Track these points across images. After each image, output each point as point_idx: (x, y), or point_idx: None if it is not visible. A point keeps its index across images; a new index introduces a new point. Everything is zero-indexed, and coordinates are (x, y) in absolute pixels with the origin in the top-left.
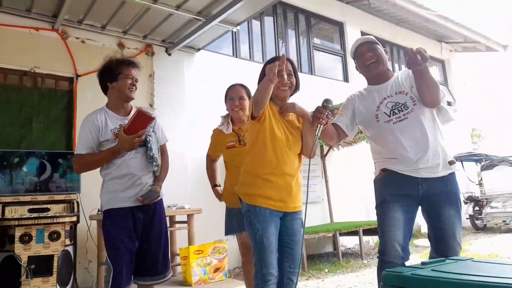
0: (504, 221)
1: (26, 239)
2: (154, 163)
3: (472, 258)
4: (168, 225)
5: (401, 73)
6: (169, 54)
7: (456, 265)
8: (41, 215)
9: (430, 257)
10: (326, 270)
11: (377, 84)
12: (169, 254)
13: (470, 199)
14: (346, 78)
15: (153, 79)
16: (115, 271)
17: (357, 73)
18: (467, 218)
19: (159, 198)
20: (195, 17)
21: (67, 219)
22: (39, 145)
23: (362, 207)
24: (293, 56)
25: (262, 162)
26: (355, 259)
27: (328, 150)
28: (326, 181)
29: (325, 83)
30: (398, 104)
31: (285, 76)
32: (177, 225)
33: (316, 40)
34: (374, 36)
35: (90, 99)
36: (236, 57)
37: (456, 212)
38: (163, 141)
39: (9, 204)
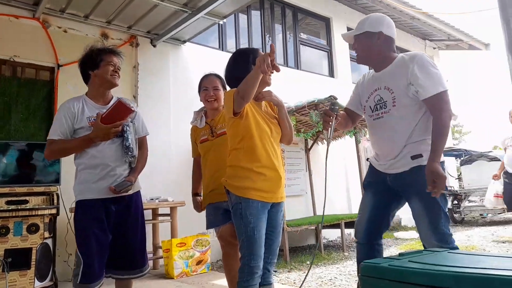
0: (481, 215)
1: (3, 231)
2: (130, 153)
3: (449, 250)
4: (151, 218)
5: (392, 66)
6: (154, 46)
7: (433, 256)
8: (19, 207)
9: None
10: (308, 262)
11: (376, 70)
12: (146, 248)
13: (449, 193)
14: (332, 73)
15: (137, 70)
16: (85, 263)
17: (342, 69)
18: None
19: (136, 190)
20: (181, 8)
21: (46, 212)
22: (18, 136)
23: (344, 200)
24: (279, 50)
25: (254, 156)
26: (336, 252)
27: (313, 144)
28: (310, 175)
29: (311, 78)
30: (381, 100)
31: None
32: (160, 218)
33: (303, 35)
34: None
35: (71, 89)
36: (223, 50)
37: (427, 201)
38: (143, 133)
39: None
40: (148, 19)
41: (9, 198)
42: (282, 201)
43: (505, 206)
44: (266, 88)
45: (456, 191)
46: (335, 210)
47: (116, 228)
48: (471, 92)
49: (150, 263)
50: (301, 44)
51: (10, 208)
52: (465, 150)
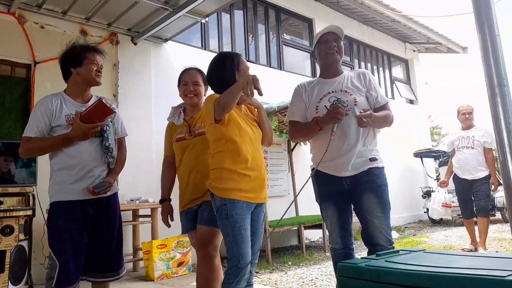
0: (458, 215)
1: None
2: (110, 154)
3: (425, 250)
4: (131, 219)
5: (352, 74)
6: (135, 44)
7: (409, 256)
8: None
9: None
10: (290, 263)
11: (326, 77)
12: (123, 251)
13: (428, 193)
14: (314, 74)
15: (118, 68)
16: (60, 266)
17: None
18: (424, 212)
19: (114, 191)
20: (162, 6)
21: (21, 213)
22: None
23: None
24: (262, 51)
25: (238, 159)
26: (318, 252)
27: (295, 145)
28: (293, 175)
29: (294, 78)
30: (339, 100)
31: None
32: (141, 219)
33: (286, 36)
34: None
35: (49, 87)
36: (205, 49)
37: (374, 198)
38: (122, 134)
39: None
40: (128, 16)
41: None
42: (265, 202)
43: (454, 215)
44: None
45: (435, 191)
46: (316, 210)
47: (93, 230)
48: (449, 94)
49: (130, 265)
50: (284, 44)
51: None
52: (443, 151)
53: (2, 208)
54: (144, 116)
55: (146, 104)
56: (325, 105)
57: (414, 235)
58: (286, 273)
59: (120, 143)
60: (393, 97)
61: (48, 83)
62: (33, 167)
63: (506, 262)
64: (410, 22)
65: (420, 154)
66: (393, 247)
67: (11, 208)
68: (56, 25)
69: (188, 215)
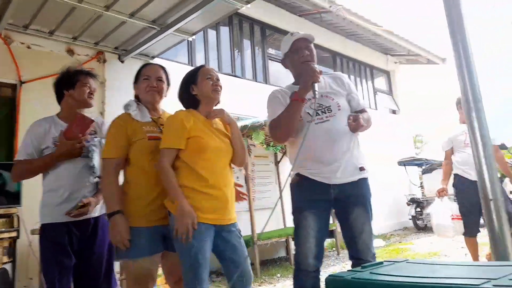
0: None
1: None
2: (94, 174)
3: (408, 260)
4: None
5: (327, 79)
6: (122, 62)
7: (393, 267)
8: None
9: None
10: (278, 275)
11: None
12: (113, 272)
13: (412, 200)
14: None
15: (105, 86)
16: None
17: None
18: (410, 219)
19: (102, 212)
20: (150, 25)
21: (5, 235)
22: None
23: None
24: (248, 65)
25: (197, 176)
26: None
27: (282, 157)
28: (280, 187)
29: None
30: (322, 106)
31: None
32: None
33: (271, 50)
34: (326, 48)
35: (35, 106)
36: (192, 65)
37: (364, 213)
38: None
39: None
40: (116, 35)
41: None
42: (233, 223)
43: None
44: (218, 106)
45: (419, 199)
46: None
47: (81, 253)
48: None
49: (119, 283)
50: (269, 59)
51: None
52: (426, 159)
53: None
54: None
55: None
56: (307, 112)
57: (400, 242)
58: (274, 285)
59: None
60: (376, 108)
61: (35, 102)
62: (17, 187)
63: (485, 270)
64: (391, 35)
65: (404, 163)
66: (375, 259)
67: None
68: (42, 44)
69: (156, 234)
